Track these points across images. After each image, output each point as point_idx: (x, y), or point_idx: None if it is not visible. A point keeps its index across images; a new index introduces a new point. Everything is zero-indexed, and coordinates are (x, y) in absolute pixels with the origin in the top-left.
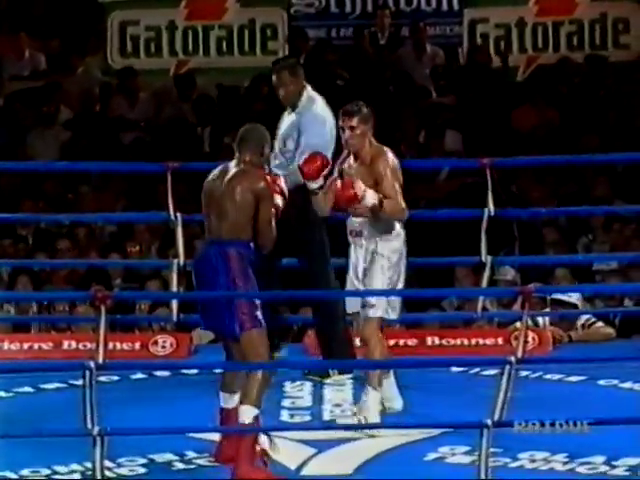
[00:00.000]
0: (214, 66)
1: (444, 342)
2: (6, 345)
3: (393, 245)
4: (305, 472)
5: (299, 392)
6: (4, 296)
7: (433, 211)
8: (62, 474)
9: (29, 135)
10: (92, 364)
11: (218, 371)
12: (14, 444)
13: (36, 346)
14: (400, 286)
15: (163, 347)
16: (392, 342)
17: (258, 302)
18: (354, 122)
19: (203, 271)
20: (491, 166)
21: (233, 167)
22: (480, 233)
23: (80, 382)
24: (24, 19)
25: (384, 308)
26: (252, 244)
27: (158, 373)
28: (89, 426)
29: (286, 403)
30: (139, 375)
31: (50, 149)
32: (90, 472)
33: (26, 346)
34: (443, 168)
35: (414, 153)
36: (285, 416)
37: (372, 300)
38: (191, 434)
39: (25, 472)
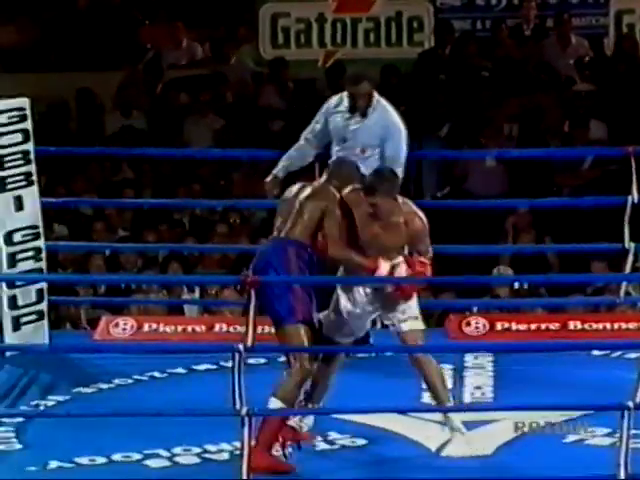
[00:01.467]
0: (361, 57)
1: (586, 326)
2: (161, 327)
3: None
4: (445, 453)
5: None
6: (160, 280)
7: (577, 199)
8: (212, 452)
9: (185, 122)
10: (242, 347)
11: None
12: (167, 422)
13: (189, 328)
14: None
15: None
16: (534, 326)
17: (307, 299)
18: None
19: (257, 264)
20: (635, 154)
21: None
22: (623, 220)
23: (230, 364)
24: (181, 9)
25: None
26: (310, 248)
27: None
28: (237, 407)
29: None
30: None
31: (204, 136)
32: (238, 451)
33: (180, 328)
34: (587, 157)
35: (558, 142)
36: (427, 398)
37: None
38: (335, 415)
39: (177, 449)
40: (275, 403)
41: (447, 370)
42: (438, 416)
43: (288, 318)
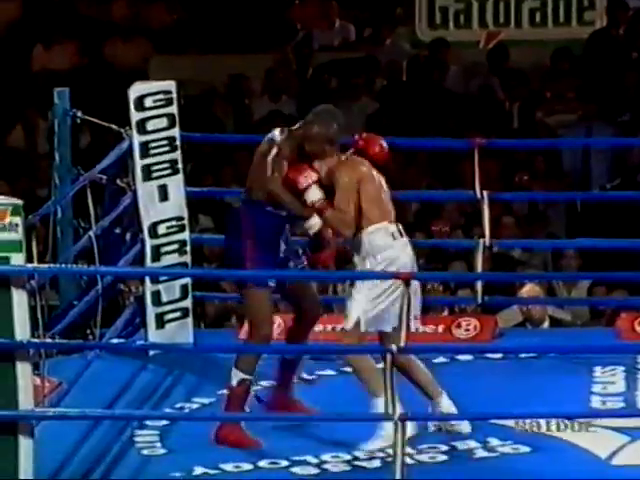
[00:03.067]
0: (526, 38)
1: None
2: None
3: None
4: (616, 461)
5: (611, 377)
6: (312, 275)
7: None
8: (362, 459)
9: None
10: (393, 347)
11: (524, 356)
12: (316, 427)
13: (340, 327)
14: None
15: (467, 330)
16: None
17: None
18: None
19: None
20: None
21: None
22: None
23: (381, 365)
24: None
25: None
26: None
27: (461, 357)
28: (390, 410)
29: (597, 389)
30: (441, 359)
31: (356, 121)
32: (390, 458)
33: (329, 327)
34: None
35: None
36: (596, 402)
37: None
38: (494, 420)
39: (326, 456)
40: (236, 374)
41: (619, 372)
42: (607, 421)
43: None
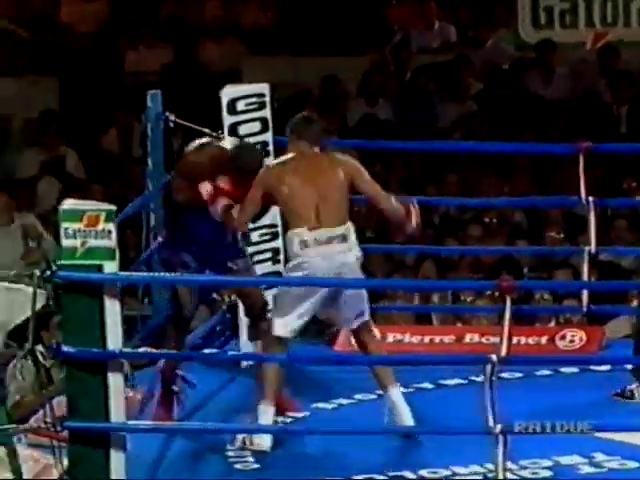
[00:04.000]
0: (636, 39)
1: None
2: (407, 337)
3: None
4: None
5: None
6: (407, 285)
7: None
8: (461, 475)
9: (435, 110)
10: (494, 358)
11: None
12: (412, 442)
13: (437, 339)
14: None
15: (571, 341)
16: None
17: None
18: None
19: None
20: None
21: None
22: None
23: (481, 378)
24: None
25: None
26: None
27: (565, 370)
28: (490, 424)
29: None
30: (544, 371)
31: (455, 126)
32: (492, 474)
33: (427, 339)
34: None
35: None
36: None
37: None
38: (599, 434)
39: (423, 472)
40: None
41: None
42: None
43: None
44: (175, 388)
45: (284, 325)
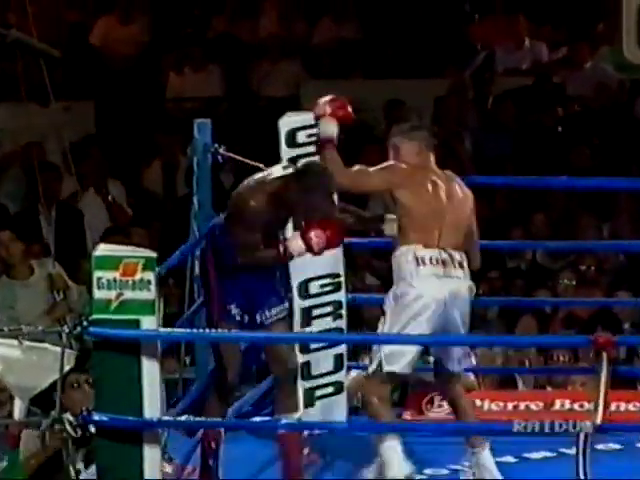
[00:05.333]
0: None
1: None
2: (487, 404)
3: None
4: None
5: None
6: (502, 340)
7: None
8: None
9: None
10: (589, 426)
11: None
12: None
13: (522, 405)
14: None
15: None
16: None
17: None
18: None
19: None
20: None
21: None
22: None
23: (573, 450)
24: None
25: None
26: None
27: None
28: None
29: None
30: None
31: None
32: None
33: (510, 405)
34: None
35: None
36: None
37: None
38: None
39: None
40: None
41: None
42: None
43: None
44: (211, 462)
45: (399, 355)
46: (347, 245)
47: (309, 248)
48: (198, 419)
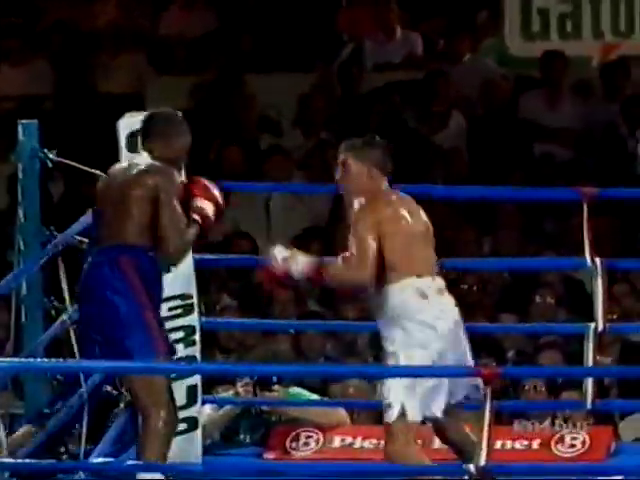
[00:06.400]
0: None
1: None
2: (359, 441)
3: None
4: None
5: None
6: (359, 370)
7: None
8: None
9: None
10: (472, 468)
11: None
12: None
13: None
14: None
15: (572, 446)
16: None
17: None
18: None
19: (85, 292)
20: None
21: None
22: None
23: None
24: None
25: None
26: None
27: None
28: None
29: None
30: None
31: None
32: None
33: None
34: None
35: None
36: None
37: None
38: None
39: None
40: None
41: None
42: None
43: (147, 354)
44: None
45: (435, 395)
46: (199, 262)
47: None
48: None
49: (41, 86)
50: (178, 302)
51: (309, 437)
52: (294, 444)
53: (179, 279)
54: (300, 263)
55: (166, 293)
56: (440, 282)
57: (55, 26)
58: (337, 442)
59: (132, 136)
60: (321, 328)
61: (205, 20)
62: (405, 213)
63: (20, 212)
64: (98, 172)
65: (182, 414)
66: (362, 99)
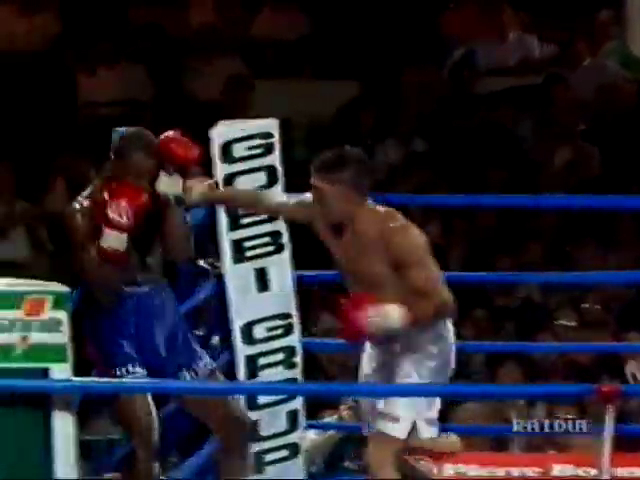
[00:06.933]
0: None
1: None
2: (472, 470)
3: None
4: None
5: None
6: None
7: None
8: None
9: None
10: None
11: None
12: None
13: (515, 472)
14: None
15: None
16: None
17: None
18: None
19: None
20: None
21: None
22: None
23: None
24: None
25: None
26: None
27: None
28: None
29: None
30: None
31: (552, 182)
32: None
33: (501, 472)
34: None
35: None
36: None
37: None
38: None
39: None
40: None
41: None
42: None
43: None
44: None
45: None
46: (299, 279)
47: (113, 225)
48: None
49: (137, 91)
50: (278, 322)
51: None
52: None
53: (279, 297)
54: (396, 321)
55: (265, 312)
56: None
57: (146, 29)
58: (449, 470)
59: (226, 145)
60: None
61: (299, 23)
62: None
63: None
64: None
65: (282, 441)
66: (474, 103)
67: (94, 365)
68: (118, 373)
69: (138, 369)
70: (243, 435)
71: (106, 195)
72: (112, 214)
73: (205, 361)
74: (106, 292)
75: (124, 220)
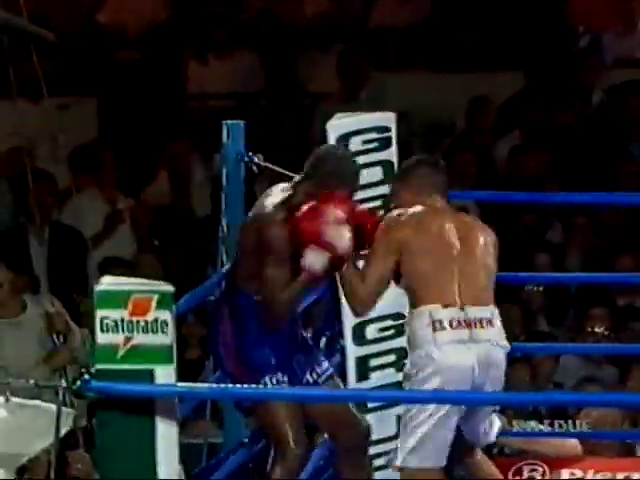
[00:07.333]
0: None
1: None
2: (590, 474)
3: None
4: None
5: None
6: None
7: None
8: None
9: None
10: None
11: None
12: None
13: (636, 477)
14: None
15: None
16: None
17: None
18: None
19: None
20: None
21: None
22: None
23: None
24: None
25: None
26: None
27: None
28: None
29: None
30: None
31: None
32: None
33: (621, 476)
34: None
35: None
36: None
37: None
38: None
39: None
40: None
41: None
42: None
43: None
44: None
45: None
46: None
47: (326, 247)
48: None
49: (248, 82)
50: (390, 322)
51: (533, 470)
52: (516, 478)
53: (391, 297)
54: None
55: (378, 312)
56: (475, 312)
57: (260, 16)
58: (565, 476)
59: (342, 139)
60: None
61: (419, 11)
62: (437, 234)
63: (223, 222)
64: None
65: (391, 445)
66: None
67: (233, 375)
68: (267, 383)
69: (283, 377)
70: (363, 440)
71: (322, 214)
72: (329, 235)
73: (326, 365)
74: (285, 311)
75: (342, 244)
